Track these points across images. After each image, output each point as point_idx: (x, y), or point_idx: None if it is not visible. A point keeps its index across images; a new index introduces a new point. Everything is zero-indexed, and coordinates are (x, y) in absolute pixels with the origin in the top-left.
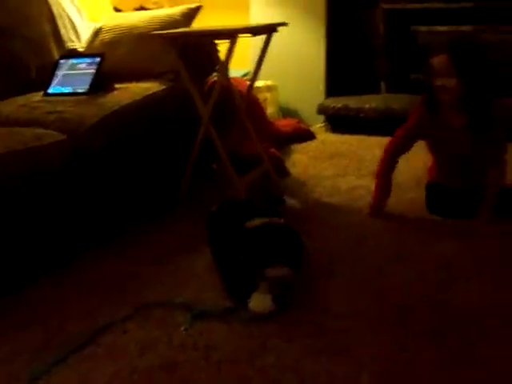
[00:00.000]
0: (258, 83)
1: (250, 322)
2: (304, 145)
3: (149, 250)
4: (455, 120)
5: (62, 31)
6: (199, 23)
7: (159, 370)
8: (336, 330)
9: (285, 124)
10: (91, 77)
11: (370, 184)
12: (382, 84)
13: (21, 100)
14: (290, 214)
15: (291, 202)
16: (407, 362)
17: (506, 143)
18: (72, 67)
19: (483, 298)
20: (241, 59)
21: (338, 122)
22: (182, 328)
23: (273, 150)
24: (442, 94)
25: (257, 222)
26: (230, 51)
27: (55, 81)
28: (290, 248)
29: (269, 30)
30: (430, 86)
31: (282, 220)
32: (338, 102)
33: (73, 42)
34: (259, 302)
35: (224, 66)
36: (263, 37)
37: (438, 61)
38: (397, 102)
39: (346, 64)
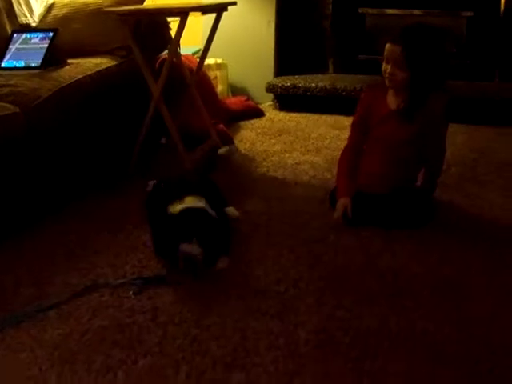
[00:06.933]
0: (209, 61)
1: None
2: (252, 122)
3: (98, 219)
4: (392, 100)
5: (16, 6)
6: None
7: (109, 331)
8: (275, 293)
9: (234, 101)
10: (44, 51)
11: (314, 159)
12: (330, 64)
13: None
14: (231, 186)
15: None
16: (341, 319)
17: (445, 142)
18: (25, 42)
19: (420, 265)
20: (192, 37)
21: (287, 100)
22: (131, 292)
23: (221, 125)
24: (389, 81)
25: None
26: (181, 29)
27: (8, 55)
28: (205, 231)
29: (219, 8)
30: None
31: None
32: (286, 81)
33: (26, 17)
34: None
35: (174, 43)
36: (214, 15)
37: (391, 50)
38: (343, 81)
39: (295, 43)
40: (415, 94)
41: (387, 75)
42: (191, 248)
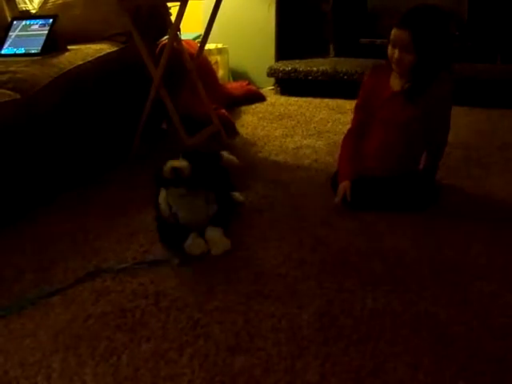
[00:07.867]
0: (209, 46)
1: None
2: (254, 106)
3: (100, 205)
4: (395, 83)
5: None
6: None
7: (112, 316)
8: (277, 276)
9: (235, 86)
10: (44, 38)
11: (316, 143)
12: (331, 48)
13: None
14: (235, 170)
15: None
16: (344, 301)
17: (450, 125)
18: (25, 28)
19: (422, 248)
20: (193, 23)
21: (288, 84)
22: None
23: (223, 110)
24: (396, 65)
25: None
26: (181, 13)
27: (8, 42)
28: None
29: None
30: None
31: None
32: (287, 65)
33: (25, 3)
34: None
35: (174, 27)
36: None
37: (398, 35)
38: (344, 65)
39: (296, 28)
40: (421, 76)
41: (395, 60)
42: (178, 162)
